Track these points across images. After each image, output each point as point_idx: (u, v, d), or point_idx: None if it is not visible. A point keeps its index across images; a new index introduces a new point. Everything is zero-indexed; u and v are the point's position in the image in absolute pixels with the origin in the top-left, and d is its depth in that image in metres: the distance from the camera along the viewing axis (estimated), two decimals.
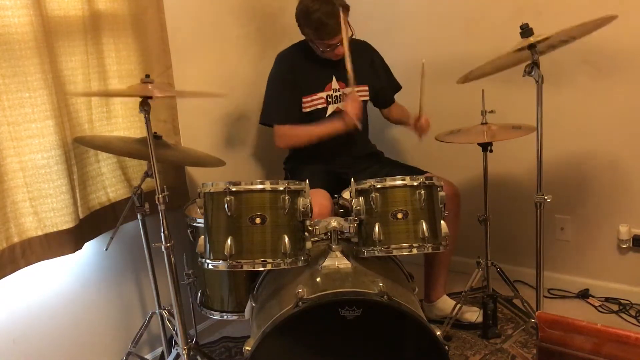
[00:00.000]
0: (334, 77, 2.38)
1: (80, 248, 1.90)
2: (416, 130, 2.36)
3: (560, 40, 1.93)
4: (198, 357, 1.92)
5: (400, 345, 1.63)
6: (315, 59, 2.37)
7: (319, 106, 2.37)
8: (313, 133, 2.30)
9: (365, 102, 2.47)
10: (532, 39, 1.79)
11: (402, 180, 1.68)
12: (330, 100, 2.38)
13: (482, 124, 2.18)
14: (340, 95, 2.39)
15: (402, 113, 2.57)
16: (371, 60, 2.50)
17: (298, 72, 2.35)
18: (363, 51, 2.48)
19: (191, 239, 2.04)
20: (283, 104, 2.35)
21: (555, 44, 1.96)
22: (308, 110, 2.36)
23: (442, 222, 1.71)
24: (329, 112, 2.38)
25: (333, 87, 2.38)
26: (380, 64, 2.53)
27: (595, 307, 2.54)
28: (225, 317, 2.07)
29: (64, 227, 1.83)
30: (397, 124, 2.64)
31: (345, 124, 2.23)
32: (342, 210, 2.07)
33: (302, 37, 2.46)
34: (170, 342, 2.05)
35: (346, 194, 1.99)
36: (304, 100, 2.35)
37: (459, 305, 2.30)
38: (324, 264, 1.70)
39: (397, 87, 2.58)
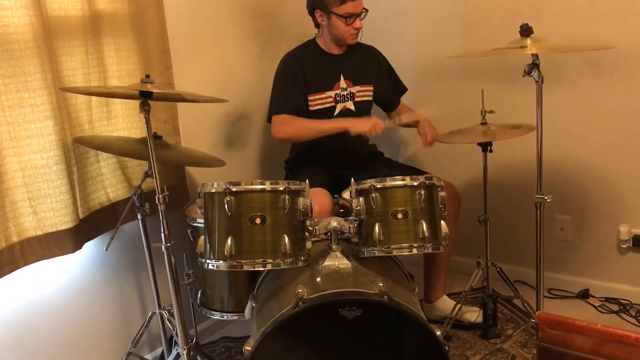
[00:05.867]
0: (342, 75, 2.38)
1: (80, 248, 1.90)
2: (421, 134, 2.33)
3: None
4: (198, 357, 1.92)
5: (400, 345, 1.63)
6: (323, 58, 2.38)
7: (327, 105, 2.37)
8: (319, 127, 2.26)
9: (369, 102, 2.48)
10: (534, 50, 1.78)
11: (402, 180, 1.68)
12: (338, 99, 2.38)
13: (482, 124, 2.18)
14: (347, 94, 2.39)
15: (410, 117, 2.55)
16: (378, 63, 2.51)
17: (307, 70, 2.34)
18: (370, 54, 2.50)
19: (191, 239, 2.04)
20: (284, 97, 2.34)
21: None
22: (316, 108, 2.35)
23: (442, 222, 1.71)
24: (337, 111, 2.38)
25: (341, 86, 2.38)
26: (386, 67, 2.54)
27: (595, 307, 2.54)
28: (225, 317, 2.06)
29: (64, 227, 1.83)
30: (405, 127, 2.60)
31: (353, 130, 2.19)
32: (342, 210, 2.07)
33: (303, 38, 2.47)
34: (170, 342, 2.05)
35: (346, 194, 1.99)
36: (312, 98, 2.34)
37: (458, 306, 2.30)
38: (324, 264, 1.70)
39: (403, 89, 2.58)
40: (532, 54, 1.85)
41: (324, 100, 2.36)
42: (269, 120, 2.35)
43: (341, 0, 2.22)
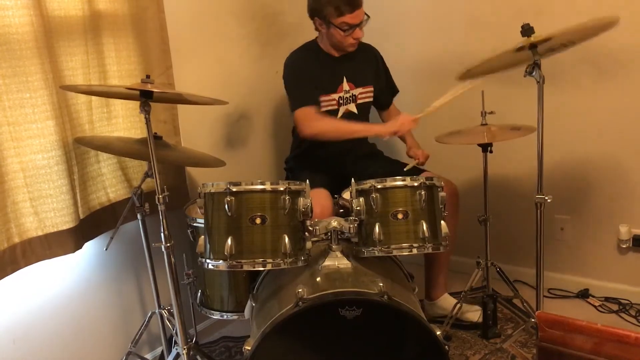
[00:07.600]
0: (344, 78, 2.37)
1: (80, 248, 1.90)
2: (411, 156, 2.36)
3: (561, 43, 1.92)
4: (198, 357, 1.92)
5: (400, 345, 1.63)
6: (325, 60, 2.37)
7: (330, 108, 2.35)
8: (350, 129, 2.25)
9: (369, 103, 2.47)
10: (532, 39, 1.79)
11: (403, 180, 1.68)
12: (341, 102, 2.37)
13: (482, 124, 2.18)
14: (350, 96, 2.39)
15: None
16: (376, 62, 2.51)
17: (312, 71, 2.33)
18: (369, 53, 2.50)
19: (191, 239, 2.04)
20: (304, 88, 2.30)
21: (555, 47, 1.96)
22: (323, 110, 2.34)
23: (442, 222, 1.71)
24: (339, 114, 2.37)
25: (344, 88, 2.38)
26: (382, 67, 2.54)
27: (595, 307, 2.54)
28: (225, 317, 2.07)
29: (64, 227, 1.83)
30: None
31: (384, 133, 2.21)
32: (342, 211, 2.07)
33: (303, 38, 2.46)
34: (170, 342, 2.06)
35: (346, 194, 1.99)
36: (320, 99, 2.33)
37: (459, 306, 2.29)
38: (324, 263, 1.71)
39: (395, 91, 2.59)
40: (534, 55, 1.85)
41: (327, 104, 2.35)
42: (293, 111, 2.30)
43: (340, 12, 2.19)
